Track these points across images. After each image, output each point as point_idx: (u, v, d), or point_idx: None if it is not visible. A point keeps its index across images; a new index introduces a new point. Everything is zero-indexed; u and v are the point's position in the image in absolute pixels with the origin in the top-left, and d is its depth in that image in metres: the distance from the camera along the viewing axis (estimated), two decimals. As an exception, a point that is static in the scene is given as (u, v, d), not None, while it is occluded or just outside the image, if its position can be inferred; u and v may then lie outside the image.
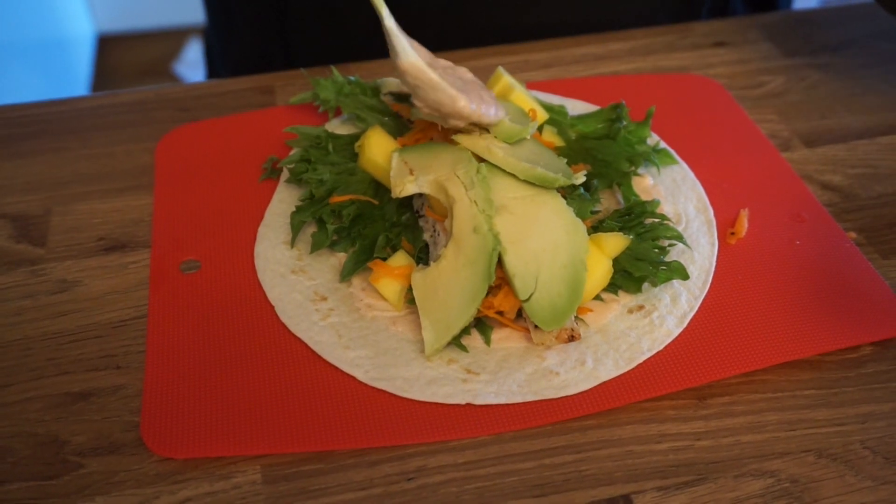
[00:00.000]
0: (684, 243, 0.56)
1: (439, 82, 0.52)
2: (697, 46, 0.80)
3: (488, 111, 0.54)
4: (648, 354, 0.51)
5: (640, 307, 0.54)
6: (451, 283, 0.51)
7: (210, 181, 0.64)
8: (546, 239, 0.51)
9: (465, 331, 0.51)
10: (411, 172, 0.54)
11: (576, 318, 0.52)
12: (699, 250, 0.57)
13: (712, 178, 0.64)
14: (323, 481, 0.46)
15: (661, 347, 0.51)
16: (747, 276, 0.56)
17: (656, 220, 0.57)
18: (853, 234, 0.60)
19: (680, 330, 0.52)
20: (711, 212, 0.60)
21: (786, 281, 0.56)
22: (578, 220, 0.52)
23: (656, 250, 0.55)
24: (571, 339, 0.51)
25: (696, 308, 0.54)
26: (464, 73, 0.57)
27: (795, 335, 0.52)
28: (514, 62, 0.77)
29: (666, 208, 0.61)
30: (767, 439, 0.48)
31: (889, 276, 0.57)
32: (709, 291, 0.55)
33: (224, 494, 0.45)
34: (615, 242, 0.54)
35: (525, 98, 0.62)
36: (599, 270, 0.52)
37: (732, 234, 0.59)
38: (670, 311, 0.53)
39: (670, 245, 0.57)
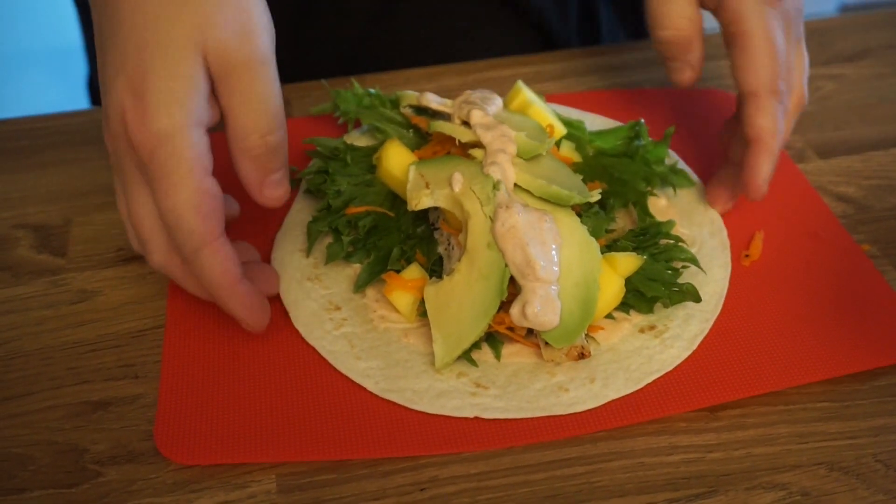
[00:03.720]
0: (698, 266, 0.56)
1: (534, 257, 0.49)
2: (712, 57, 0.80)
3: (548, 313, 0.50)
4: (658, 374, 0.51)
5: (652, 327, 0.54)
6: (464, 297, 0.51)
7: (227, 189, 0.65)
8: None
9: (476, 345, 0.52)
10: (427, 186, 0.55)
11: (586, 336, 0.52)
12: (712, 272, 0.57)
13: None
14: (337, 491, 0.46)
15: (671, 368, 0.51)
16: (761, 297, 0.56)
17: (671, 241, 0.57)
18: (867, 246, 0.60)
19: (690, 352, 0.52)
20: (725, 233, 0.60)
21: (800, 302, 0.56)
22: (592, 239, 0.52)
23: (669, 272, 0.55)
24: (581, 356, 0.51)
25: (706, 331, 0.54)
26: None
27: (809, 358, 0.52)
28: (528, 73, 0.78)
29: (680, 230, 0.61)
30: (779, 452, 0.48)
31: (903, 288, 0.57)
32: (722, 311, 0.55)
33: (239, 503, 0.46)
34: (628, 262, 0.54)
35: (543, 113, 0.62)
36: (611, 289, 0.52)
37: (747, 255, 0.59)
38: (681, 332, 0.53)
39: (684, 267, 0.56)
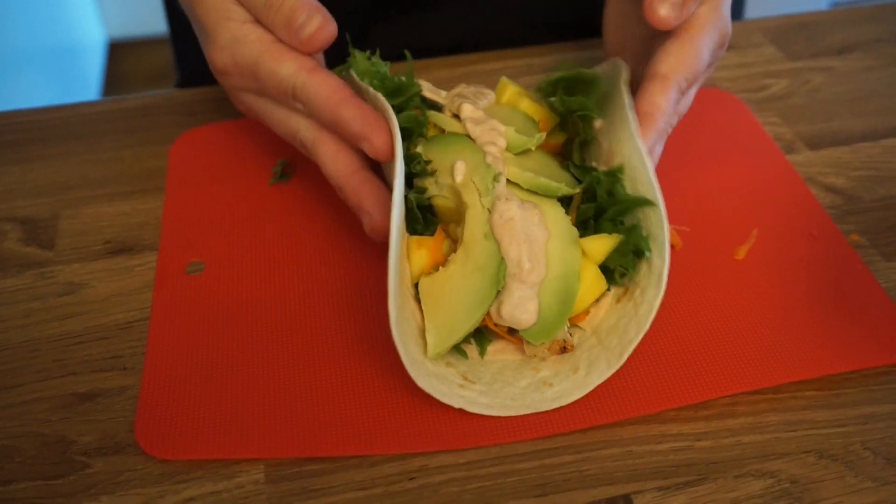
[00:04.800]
0: (651, 203, 0.51)
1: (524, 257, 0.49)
2: (701, 50, 0.80)
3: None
4: (636, 340, 0.49)
5: (625, 290, 0.52)
6: (459, 287, 0.50)
7: (220, 184, 0.65)
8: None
9: (465, 339, 0.51)
10: (433, 172, 0.54)
11: (571, 326, 0.52)
12: (641, 184, 0.52)
13: (721, 188, 0.63)
14: (325, 481, 0.46)
15: (648, 326, 0.49)
16: (752, 294, 0.55)
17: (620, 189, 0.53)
18: (856, 237, 0.60)
19: (661, 294, 0.49)
20: (635, 121, 0.53)
21: (791, 300, 0.55)
22: (574, 230, 0.51)
23: (641, 239, 0.51)
24: (564, 350, 0.50)
25: (667, 256, 0.50)
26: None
27: (799, 356, 0.51)
28: (518, 66, 0.78)
29: (604, 147, 0.56)
30: (768, 440, 0.48)
31: (891, 278, 0.57)
32: (713, 305, 0.54)
33: (227, 494, 0.46)
34: (601, 245, 0.52)
35: (534, 107, 0.61)
36: (588, 279, 0.51)
37: (740, 251, 0.58)
38: (648, 280, 0.51)
39: (639, 222, 0.52)
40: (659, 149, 0.55)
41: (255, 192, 0.64)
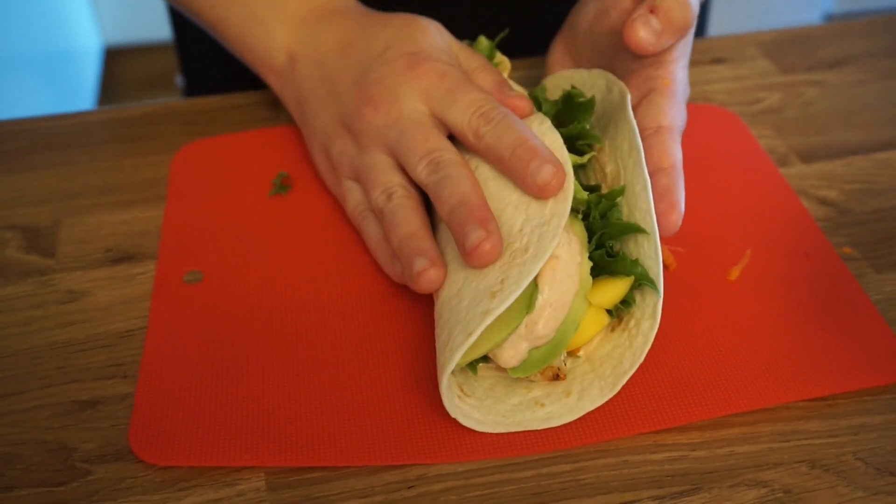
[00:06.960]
0: (645, 231, 0.50)
1: None
2: (696, 63, 0.81)
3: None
4: (631, 372, 0.49)
5: (619, 319, 0.52)
6: None
7: (220, 194, 0.65)
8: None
9: None
10: None
11: (566, 356, 0.51)
12: (639, 211, 0.51)
13: (715, 204, 0.64)
14: (326, 489, 0.47)
15: (642, 358, 0.49)
16: (745, 314, 0.56)
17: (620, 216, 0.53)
18: (848, 249, 0.61)
19: (656, 327, 0.49)
20: (637, 130, 0.53)
21: (785, 320, 0.55)
22: (589, 281, 0.50)
23: (639, 269, 0.50)
24: (556, 377, 0.50)
25: (661, 289, 0.49)
26: None
27: (791, 377, 0.52)
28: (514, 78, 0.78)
29: (607, 170, 0.56)
30: (761, 450, 0.49)
31: (883, 290, 0.58)
32: (707, 327, 0.54)
33: (229, 501, 0.46)
34: (615, 293, 0.50)
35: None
36: (589, 316, 0.50)
37: (733, 271, 0.59)
38: (643, 312, 0.50)
39: (630, 249, 0.52)
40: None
41: (255, 203, 0.65)
